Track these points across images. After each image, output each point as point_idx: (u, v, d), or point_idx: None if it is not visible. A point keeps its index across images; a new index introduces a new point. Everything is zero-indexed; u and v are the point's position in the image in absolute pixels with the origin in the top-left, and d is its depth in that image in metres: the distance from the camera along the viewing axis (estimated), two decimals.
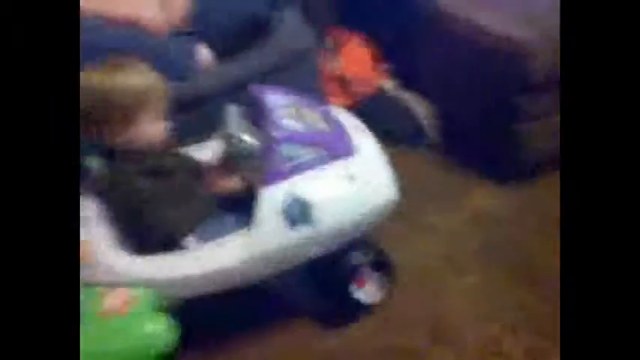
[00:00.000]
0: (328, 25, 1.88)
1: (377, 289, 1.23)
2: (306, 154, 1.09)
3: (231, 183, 1.14)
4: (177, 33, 1.44)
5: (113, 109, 1.03)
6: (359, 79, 1.82)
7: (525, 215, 1.47)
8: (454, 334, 1.21)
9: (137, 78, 1.05)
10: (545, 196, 1.47)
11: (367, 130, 1.23)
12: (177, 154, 1.16)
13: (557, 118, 1.38)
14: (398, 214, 1.29)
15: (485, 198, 1.53)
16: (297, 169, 1.09)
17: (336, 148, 1.13)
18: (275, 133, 1.08)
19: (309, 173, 1.09)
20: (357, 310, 1.24)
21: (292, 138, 1.09)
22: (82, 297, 1.00)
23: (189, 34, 1.45)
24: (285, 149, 1.08)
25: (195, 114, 1.31)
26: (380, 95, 1.79)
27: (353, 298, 1.21)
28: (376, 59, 1.90)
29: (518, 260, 1.35)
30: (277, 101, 1.15)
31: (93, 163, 1.07)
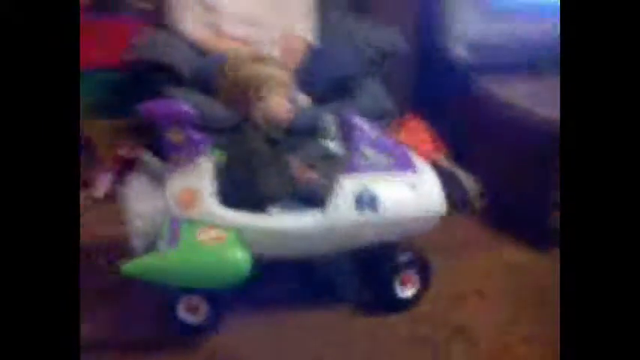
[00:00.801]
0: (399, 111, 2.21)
1: (416, 288, 1.42)
2: (380, 159, 1.36)
3: (314, 175, 1.40)
4: None
5: (249, 88, 1.32)
6: (415, 148, 2.09)
7: (547, 268, 1.64)
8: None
9: (269, 68, 1.36)
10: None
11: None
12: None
13: None
14: (443, 252, 1.57)
15: (516, 253, 1.73)
16: (372, 168, 1.35)
17: (404, 162, 1.40)
18: (359, 135, 1.36)
19: (381, 174, 1.35)
20: (397, 304, 1.42)
21: (371, 143, 1.37)
22: (183, 228, 1.23)
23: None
24: (365, 150, 1.35)
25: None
26: (434, 167, 2.05)
27: (395, 294, 1.40)
28: (434, 139, 2.19)
29: (532, 295, 1.54)
30: (362, 122, 1.44)
31: None
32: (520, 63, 2.06)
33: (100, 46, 1.86)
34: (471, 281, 1.59)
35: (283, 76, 1.37)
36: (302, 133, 1.56)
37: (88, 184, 1.77)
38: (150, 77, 1.73)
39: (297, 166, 1.41)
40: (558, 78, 2.02)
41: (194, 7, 1.86)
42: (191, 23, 1.86)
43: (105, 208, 1.72)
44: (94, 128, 1.84)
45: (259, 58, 1.38)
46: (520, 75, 2.00)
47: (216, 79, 1.38)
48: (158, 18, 1.95)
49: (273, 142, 1.35)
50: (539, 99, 1.81)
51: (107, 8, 1.97)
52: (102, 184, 1.75)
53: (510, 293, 1.55)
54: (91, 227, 1.58)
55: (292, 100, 1.40)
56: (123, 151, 1.50)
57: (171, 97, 1.66)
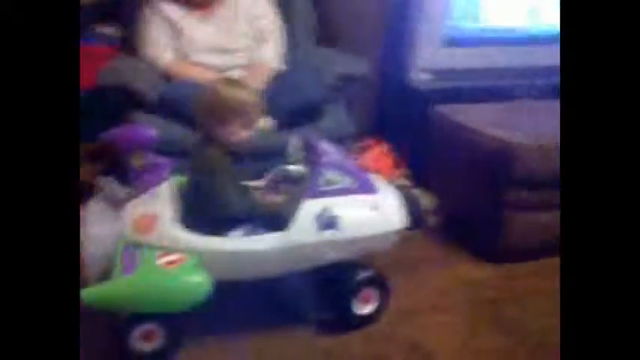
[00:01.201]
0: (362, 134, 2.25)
1: (375, 305, 1.44)
2: (343, 181, 1.39)
3: (277, 199, 1.42)
4: None
5: (226, 111, 1.33)
6: (378, 172, 2.13)
7: (501, 282, 1.71)
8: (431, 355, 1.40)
9: (243, 93, 1.38)
10: (520, 274, 1.73)
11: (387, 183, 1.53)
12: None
13: (542, 214, 1.71)
14: (398, 269, 1.61)
15: (472, 269, 1.77)
16: (335, 191, 1.37)
17: (366, 185, 1.43)
18: (323, 160, 1.39)
19: (343, 197, 1.37)
20: (357, 322, 1.44)
21: (335, 166, 1.40)
22: (141, 253, 1.23)
23: None
24: (329, 174, 1.38)
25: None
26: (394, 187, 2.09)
27: (355, 312, 1.42)
28: (397, 164, 2.23)
29: (485, 308, 1.59)
30: (326, 145, 1.47)
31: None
32: (477, 88, 2.16)
33: None
34: (426, 297, 1.62)
35: (254, 102, 1.39)
36: (266, 156, 1.59)
37: None
38: (115, 102, 1.73)
39: (259, 190, 1.43)
40: (522, 102, 2.01)
41: (161, 33, 1.87)
42: (158, 49, 1.87)
43: None
44: None
45: (234, 84, 1.42)
46: (481, 99, 2.08)
47: (187, 103, 1.40)
48: (124, 43, 1.96)
49: (234, 162, 1.37)
50: (495, 122, 1.88)
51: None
52: None
53: (466, 308, 1.59)
54: None
55: (256, 124, 1.42)
56: (82, 177, 1.48)
57: (135, 121, 1.66)
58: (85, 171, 1.66)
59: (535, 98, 2.24)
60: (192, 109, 1.39)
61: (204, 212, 1.32)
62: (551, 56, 2.19)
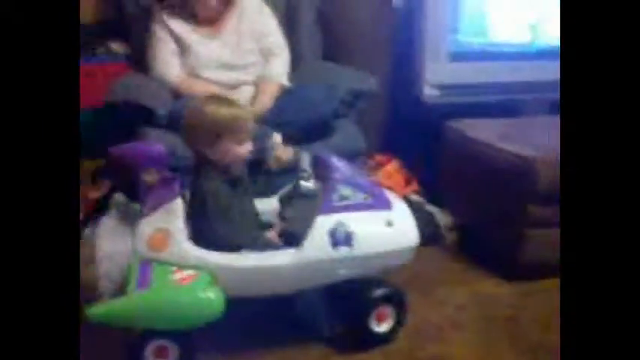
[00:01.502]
0: (372, 150, 2.23)
1: (391, 323, 1.40)
2: (357, 197, 1.35)
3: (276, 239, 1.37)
4: (261, 121, 1.78)
5: (212, 129, 1.29)
6: (390, 189, 2.10)
7: (520, 300, 1.66)
8: None
9: (234, 110, 1.34)
10: (538, 291, 1.68)
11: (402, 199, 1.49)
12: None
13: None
14: (416, 286, 1.57)
15: (490, 286, 1.73)
16: (348, 207, 1.33)
17: (380, 201, 1.39)
18: (336, 176, 1.35)
19: (357, 213, 1.33)
20: (373, 340, 1.39)
21: (348, 181, 1.36)
22: (155, 270, 1.21)
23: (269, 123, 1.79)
24: (342, 189, 1.34)
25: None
26: (408, 203, 2.04)
27: (371, 329, 1.37)
28: (408, 180, 2.20)
29: (506, 325, 1.55)
30: (338, 161, 1.44)
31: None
32: (485, 103, 2.13)
33: None
34: (444, 314, 1.57)
35: (242, 118, 1.34)
36: (278, 173, 1.56)
37: None
38: (126, 118, 1.71)
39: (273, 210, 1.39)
40: (530, 116, 2.04)
41: (169, 50, 1.86)
42: (166, 65, 1.85)
43: None
44: None
45: (220, 100, 1.36)
46: (489, 114, 2.05)
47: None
48: (134, 60, 1.95)
49: (233, 184, 1.33)
50: (508, 137, 1.85)
51: (83, 50, 1.95)
52: None
53: (484, 325, 1.53)
54: None
55: (253, 139, 1.38)
56: (94, 194, 1.45)
57: (146, 138, 1.64)
58: (97, 187, 1.64)
59: (544, 113, 2.21)
60: (181, 132, 1.34)
61: (211, 236, 1.28)
62: (558, 71, 2.22)
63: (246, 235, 1.32)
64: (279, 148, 1.59)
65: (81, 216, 1.59)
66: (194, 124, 1.31)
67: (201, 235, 1.28)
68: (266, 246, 1.32)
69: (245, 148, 1.34)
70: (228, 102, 1.37)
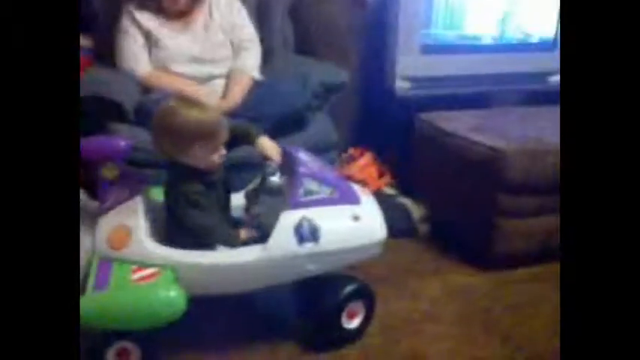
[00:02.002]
0: (345, 144, 2.18)
1: (361, 318, 1.36)
2: (323, 191, 1.31)
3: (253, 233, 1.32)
4: (233, 115, 1.72)
5: (184, 136, 1.22)
6: (363, 183, 2.07)
7: (494, 290, 1.65)
8: None
9: (207, 114, 1.25)
10: (512, 282, 1.67)
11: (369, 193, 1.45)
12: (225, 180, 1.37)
13: (533, 219, 1.65)
14: (389, 279, 1.55)
15: (463, 277, 1.71)
16: (314, 202, 1.30)
17: (347, 195, 1.36)
18: (302, 170, 1.30)
19: (323, 207, 1.30)
20: (344, 337, 1.36)
21: (314, 175, 1.32)
22: (114, 268, 1.16)
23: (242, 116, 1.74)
24: (308, 184, 1.30)
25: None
26: (380, 196, 2.01)
27: (342, 326, 1.34)
28: (381, 173, 2.16)
29: (480, 316, 1.53)
30: (305, 155, 1.39)
31: None
32: (456, 95, 2.10)
33: None
34: (419, 307, 1.55)
35: (215, 124, 1.27)
36: (245, 168, 1.51)
37: None
38: (92, 113, 1.64)
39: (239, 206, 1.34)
40: (501, 108, 2.00)
41: (137, 44, 1.80)
42: (135, 59, 1.79)
43: None
44: None
45: (191, 104, 1.27)
46: (461, 106, 2.03)
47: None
48: (99, 54, 1.88)
49: (208, 185, 1.28)
50: (479, 128, 1.83)
51: None
52: None
53: (460, 317, 1.52)
54: None
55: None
56: None
57: (115, 133, 1.58)
58: None
59: (515, 104, 2.20)
60: (152, 136, 1.26)
61: (183, 235, 1.24)
62: (527, 63, 2.21)
63: (224, 233, 1.27)
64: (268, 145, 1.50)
65: None
66: (164, 129, 1.23)
67: (177, 234, 1.24)
68: (240, 244, 1.27)
69: (219, 155, 1.27)
70: (200, 106, 1.27)
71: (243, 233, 1.31)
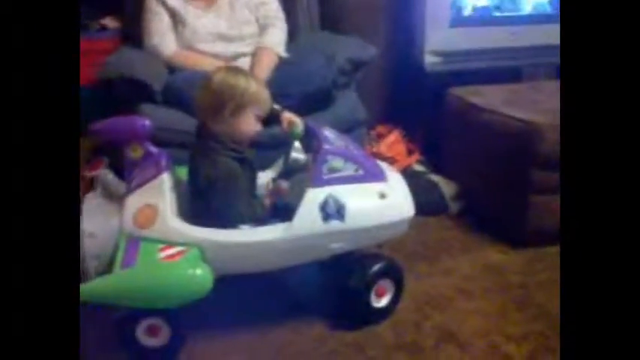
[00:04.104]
0: (374, 121, 2.11)
1: (390, 296, 1.32)
2: (348, 169, 1.25)
3: (283, 187, 1.28)
4: None
5: (227, 101, 1.21)
6: (392, 160, 2.00)
7: (528, 267, 1.57)
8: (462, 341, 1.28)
9: (253, 83, 1.25)
10: (545, 258, 1.59)
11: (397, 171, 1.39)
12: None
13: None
14: (422, 256, 1.49)
15: (496, 254, 1.64)
16: (339, 179, 1.25)
17: (373, 172, 1.30)
18: (326, 147, 1.25)
19: (348, 185, 1.24)
20: (373, 316, 1.31)
21: (339, 153, 1.27)
22: (141, 247, 1.13)
23: None
24: (332, 161, 1.24)
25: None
26: (411, 173, 1.94)
27: (371, 305, 1.30)
28: (410, 150, 2.09)
29: (513, 293, 1.46)
30: (330, 132, 1.33)
31: None
32: (486, 69, 1.99)
33: None
34: (452, 284, 1.49)
35: (262, 91, 1.26)
36: (270, 146, 1.47)
37: None
38: (122, 94, 1.62)
39: (266, 183, 1.30)
40: (532, 82, 1.92)
41: (164, 23, 1.76)
42: (162, 39, 1.76)
43: None
44: None
45: (239, 72, 1.27)
46: (491, 80, 1.92)
47: (190, 92, 1.27)
48: (127, 35, 1.85)
49: (241, 162, 1.24)
50: (512, 102, 1.73)
51: None
52: None
53: (493, 294, 1.46)
54: None
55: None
56: (90, 173, 1.38)
57: (143, 113, 1.55)
58: (94, 166, 1.56)
59: (547, 78, 2.07)
60: (194, 103, 1.25)
61: (212, 212, 1.20)
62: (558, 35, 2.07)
63: (253, 210, 1.24)
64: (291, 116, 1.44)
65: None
66: (216, 95, 1.21)
67: (202, 213, 1.21)
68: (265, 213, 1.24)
69: (255, 126, 1.26)
70: (248, 75, 1.29)
71: (267, 202, 1.28)
